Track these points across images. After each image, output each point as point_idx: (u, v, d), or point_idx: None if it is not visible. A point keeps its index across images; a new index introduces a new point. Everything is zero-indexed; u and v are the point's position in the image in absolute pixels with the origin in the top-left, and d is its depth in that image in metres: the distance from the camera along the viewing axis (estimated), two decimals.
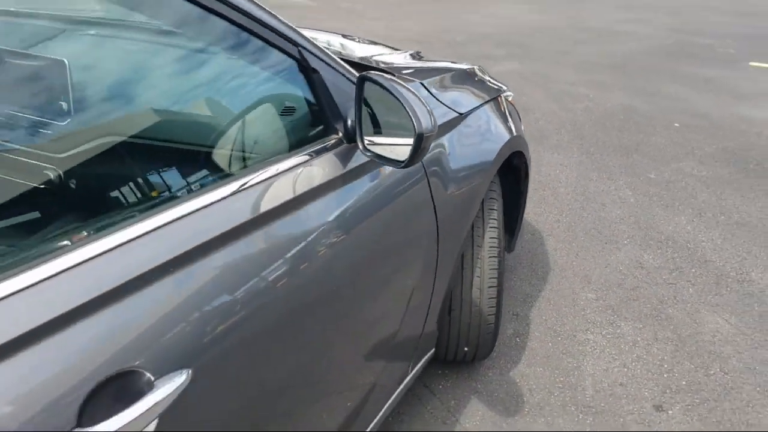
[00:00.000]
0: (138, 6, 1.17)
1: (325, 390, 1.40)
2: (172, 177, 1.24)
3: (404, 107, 1.24)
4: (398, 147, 1.31)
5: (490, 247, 2.03)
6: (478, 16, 9.90)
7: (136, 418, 0.84)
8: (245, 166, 1.31)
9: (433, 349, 2.02)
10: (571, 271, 2.95)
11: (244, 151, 1.34)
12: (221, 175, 1.27)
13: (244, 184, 1.16)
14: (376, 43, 2.66)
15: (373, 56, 2.25)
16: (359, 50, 2.38)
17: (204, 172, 1.29)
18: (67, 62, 1.33)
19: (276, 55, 1.31)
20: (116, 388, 0.85)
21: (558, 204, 3.58)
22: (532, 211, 3.50)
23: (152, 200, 1.16)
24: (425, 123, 1.22)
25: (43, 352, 0.78)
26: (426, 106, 1.26)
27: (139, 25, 1.49)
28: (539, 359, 2.40)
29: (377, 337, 1.59)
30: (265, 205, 1.16)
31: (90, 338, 0.84)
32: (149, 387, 0.88)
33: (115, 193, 1.16)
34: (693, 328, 2.61)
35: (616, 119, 5.06)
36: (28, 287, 0.80)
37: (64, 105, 1.32)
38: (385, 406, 1.75)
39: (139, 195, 1.17)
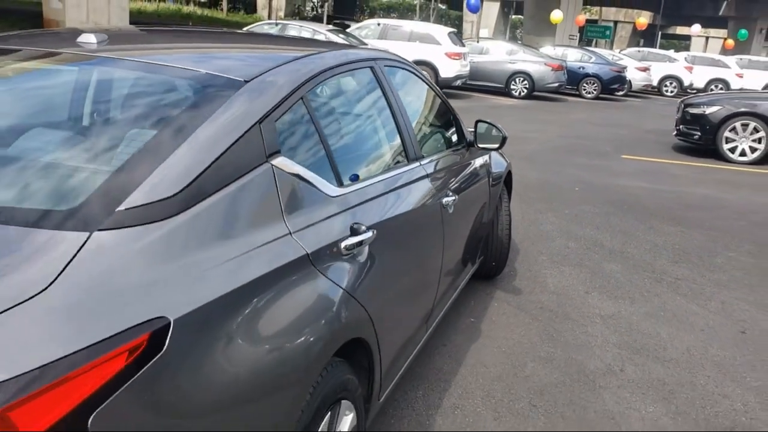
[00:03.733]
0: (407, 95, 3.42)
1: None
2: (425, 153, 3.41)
3: (498, 128, 3.54)
4: (490, 146, 3.60)
5: (505, 210, 4.32)
6: None
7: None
8: (434, 153, 3.51)
9: (482, 257, 4.21)
10: (530, 250, 5.25)
11: (434, 149, 3.55)
12: (428, 155, 3.46)
13: (433, 159, 3.30)
14: None
15: None
16: None
17: (421, 155, 3.48)
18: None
19: (447, 112, 3.59)
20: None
21: (514, 223, 5.90)
22: None
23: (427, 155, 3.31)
24: (506, 133, 3.54)
25: None
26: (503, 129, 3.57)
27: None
28: (525, 279, 4.64)
29: (469, 244, 3.75)
30: (441, 165, 3.31)
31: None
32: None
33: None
34: (600, 269, 4.94)
35: (537, 186, 7.57)
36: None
37: None
38: (461, 285, 3.83)
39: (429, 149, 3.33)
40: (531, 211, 6.42)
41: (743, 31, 42.99)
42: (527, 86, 19.03)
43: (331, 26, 17.72)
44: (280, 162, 1.82)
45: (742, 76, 25.31)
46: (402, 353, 2.57)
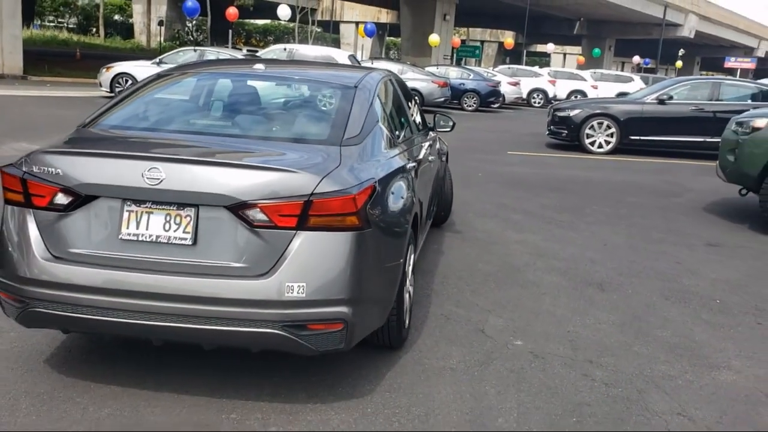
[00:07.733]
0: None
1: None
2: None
3: (449, 117, 5.59)
4: (444, 129, 5.65)
5: (449, 176, 6.37)
6: None
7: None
8: (418, 131, 5.44)
9: (435, 209, 6.20)
10: (460, 210, 7.33)
11: (417, 129, 5.50)
12: (417, 132, 5.41)
13: (419, 134, 5.30)
14: None
15: None
16: None
17: (415, 130, 5.43)
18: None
19: (417, 106, 5.60)
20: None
21: None
22: None
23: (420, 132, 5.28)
24: (453, 121, 5.59)
25: None
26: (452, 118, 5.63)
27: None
28: (462, 225, 6.68)
29: (434, 194, 5.76)
30: (423, 139, 5.31)
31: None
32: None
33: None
34: (509, 218, 7.08)
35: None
36: None
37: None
38: (429, 225, 5.82)
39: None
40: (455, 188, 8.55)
41: (596, 50, 48.05)
42: (417, 102, 21.33)
43: (245, 51, 19.41)
44: (380, 124, 3.75)
45: (596, 88, 29.04)
46: (422, 232, 4.53)
